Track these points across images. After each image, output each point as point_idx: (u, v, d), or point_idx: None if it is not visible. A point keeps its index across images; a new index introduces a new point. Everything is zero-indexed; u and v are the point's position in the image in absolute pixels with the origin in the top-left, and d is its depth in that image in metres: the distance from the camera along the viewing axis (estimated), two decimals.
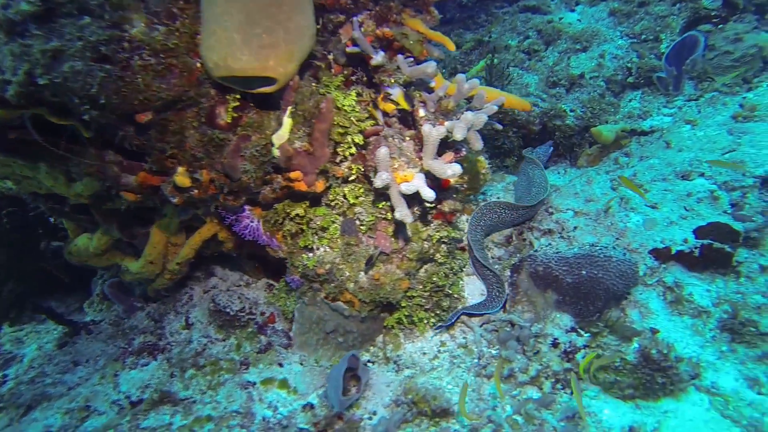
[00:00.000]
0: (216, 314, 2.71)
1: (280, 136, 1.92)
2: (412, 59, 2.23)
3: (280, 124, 1.94)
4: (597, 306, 2.35)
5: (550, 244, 2.80)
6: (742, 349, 2.30)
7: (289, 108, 1.89)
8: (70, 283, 3.61)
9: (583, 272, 2.33)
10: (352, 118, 2.18)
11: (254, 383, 2.31)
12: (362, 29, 2.22)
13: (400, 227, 2.24)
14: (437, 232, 2.31)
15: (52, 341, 3.16)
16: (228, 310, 2.66)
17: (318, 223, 2.32)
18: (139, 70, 1.57)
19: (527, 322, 2.45)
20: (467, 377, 2.34)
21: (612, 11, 4.42)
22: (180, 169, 1.89)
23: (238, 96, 1.86)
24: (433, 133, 1.91)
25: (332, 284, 2.35)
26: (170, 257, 2.65)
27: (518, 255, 2.85)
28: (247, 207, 2.32)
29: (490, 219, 2.75)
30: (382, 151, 1.89)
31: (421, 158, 2.09)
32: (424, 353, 2.48)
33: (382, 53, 2.01)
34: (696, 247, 2.57)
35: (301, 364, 2.50)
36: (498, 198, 3.30)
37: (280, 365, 2.48)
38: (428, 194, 1.87)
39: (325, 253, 2.36)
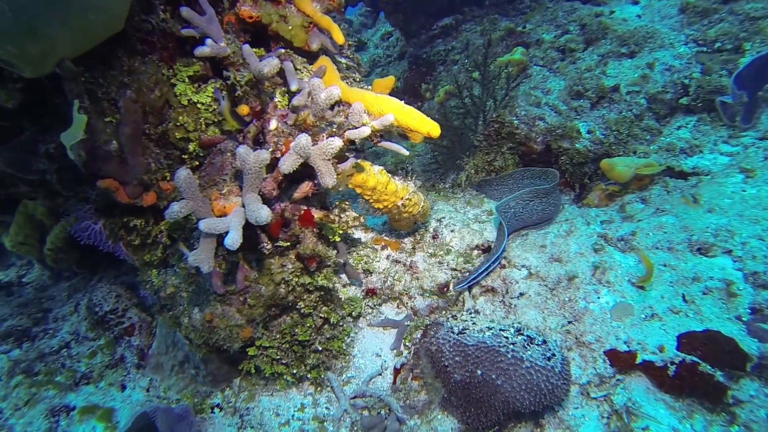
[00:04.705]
0: (89, 310, 2.46)
1: (71, 135, 1.50)
2: (283, 50, 1.69)
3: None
4: (491, 419, 1.71)
5: (475, 311, 2.15)
6: None
7: (76, 102, 1.47)
8: None
9: (478, 372, 1.69)
10: (202, 120, 1.71)
11: (72, 408, 2.01)
12: (237, 6, 1.72)
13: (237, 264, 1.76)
14: (296, 276, 1.80)
15: None
16: (97, 309, 2.39)
17: (167, 237, 1.92)
18: None
19: (407, 412, 1.88)
20: None
21: (683, 7, 3.36)
22: None
23: (15, 75, 1.47)
24: (250, 158, 1.39)
25: (170, 312, 1.96)
26: None
27: (440, 314, 2.23)
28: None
29: None
30: (182, 175, 1.41)
31: (266, 182, 1.58)
32: (278, 414, 2.02)
33: (210, 40, 1.50)
34: (673, 362, 1.79)
35: (148, 390, 2.17)
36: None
37: (123, 388, 2.16)
38: (230, 240, 1.37)
39: (174, 274, 1.97)
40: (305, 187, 1.61)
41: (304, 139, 1.38)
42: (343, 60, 2.02)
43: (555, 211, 2.69)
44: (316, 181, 1.58)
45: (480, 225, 2.73)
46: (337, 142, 1.44)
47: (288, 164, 1.41)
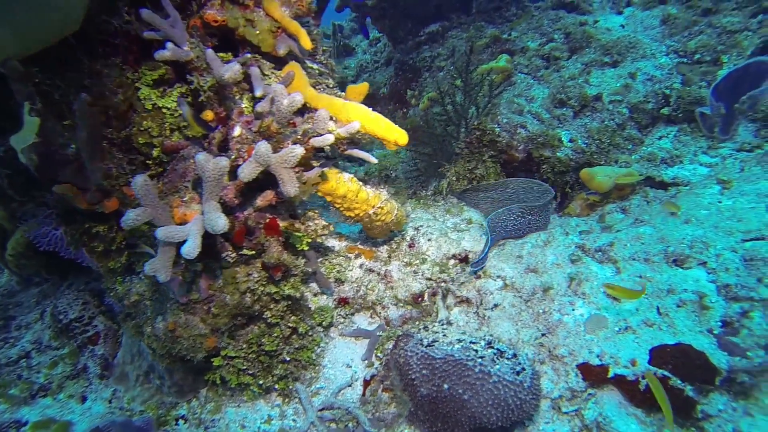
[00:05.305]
0: (54, 318, 2.39)
1: (22, 139, 1.45)
2: (249, 55, 1.65)
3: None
4: None
5: (448, 323, 2.11)
6: None
7: (27, 104, 1.42)
8: None
9: (445, 386, 1.65)
10: (167, 125, 1.67)
11: (24, 423, 1.94)
12: (203, 10, 1.68)
13: (206, 271, 1.71)
14: (262, 285, 1.75)
15: None
16: (62, 317, 2.32)
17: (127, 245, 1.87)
18: None
19: (375, 425, 1.84)
20: None
21: (665, 18, 3.37)
22: None
23: None
24: (209, 166, 1.34)
25: (133, 321, 1.91)
26: None
27: (414, 324, 2.19)
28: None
29: None
30: (139, 181, 1.36)
31: (228, 190, 1.54)
32: (244, 425, 1.97)
33: (170, 44, 1.46)
34: (644, 377, 1.76)
35: (110, 401, 2.10)
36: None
37: (83, 399, 2.09)
38: (187, 248, 1.32)
39: (139, 282, 1.91)
40: (268, 195, 1.57)
41: (263, 146, 1.34)
42: (315, 66, 1.98)
43: (545, 224, 2.66)
44: (278, 189, 1.54)
45: (458, 234, 2.70)
46: (298, 150, 1.40)
47: (247, 172, 1.37)
